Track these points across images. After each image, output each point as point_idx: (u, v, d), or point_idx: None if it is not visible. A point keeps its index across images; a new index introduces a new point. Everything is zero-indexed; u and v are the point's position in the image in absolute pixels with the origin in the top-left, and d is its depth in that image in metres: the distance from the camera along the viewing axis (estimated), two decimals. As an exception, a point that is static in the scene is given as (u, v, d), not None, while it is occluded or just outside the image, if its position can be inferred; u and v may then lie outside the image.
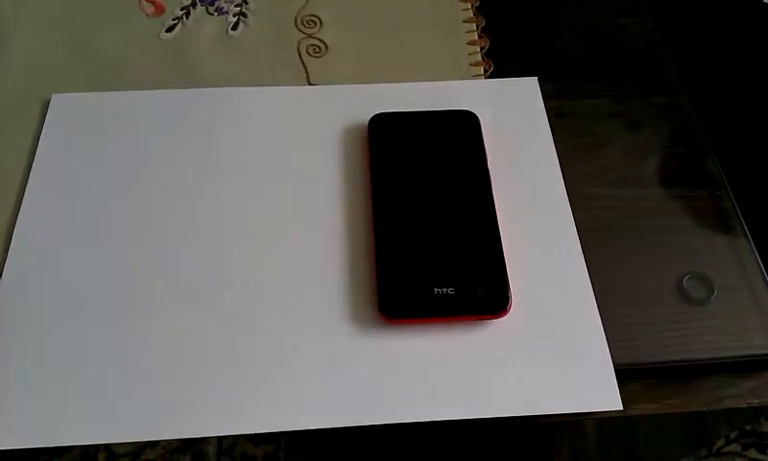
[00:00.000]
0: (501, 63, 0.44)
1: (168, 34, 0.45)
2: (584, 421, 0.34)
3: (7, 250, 0.36)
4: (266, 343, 0.33)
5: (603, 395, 0.32)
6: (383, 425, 0.31)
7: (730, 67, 0.48)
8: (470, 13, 0.47)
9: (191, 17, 0.46)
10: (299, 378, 0.32)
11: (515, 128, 0.41)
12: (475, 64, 0.44)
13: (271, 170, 0.39)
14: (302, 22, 0.46)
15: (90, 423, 0.31)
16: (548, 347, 0.33)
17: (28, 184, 0.38)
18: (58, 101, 0.41)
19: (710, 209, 0.39)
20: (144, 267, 0.35)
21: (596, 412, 0.32)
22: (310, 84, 0.43)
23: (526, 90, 0.43)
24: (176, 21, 0.46)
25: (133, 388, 0.32)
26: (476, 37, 0.45)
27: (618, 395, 0.32)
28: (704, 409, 0.34)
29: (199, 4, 0.47)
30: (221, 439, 0.55)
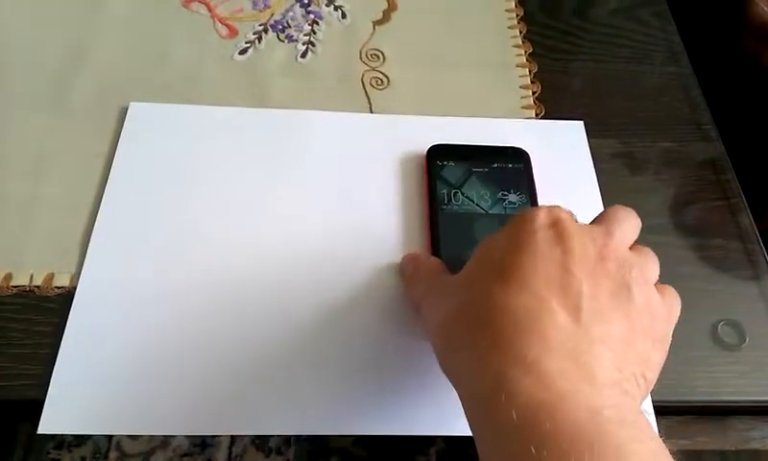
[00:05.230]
0: (551, 107, 0.47)
1: (241, 56, 0.48)
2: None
3: (86, 250, 0.38)
4: (323, 357, 0.35)
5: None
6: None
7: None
8: (524, 59, 0.50)
9: (263, 42, 0.49)
10: (350, 386, 0.34)
11: (562, 167, 0.43)
12: (527, 108, 0.47)
13: (333, 191, 0.41)
14: (367, 55, 0.49)
15: (148, 416, 0.33)
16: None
17: (107, 187, 0.40)
18: (135, 109, 0.44)
19: (743, 261, 0.42)
20: (211, 275, 0.37)
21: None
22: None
23: (573, 133, 0.46)
24: (248, 44, 0.49)
25: (190, 387, 0.34)
26: (528, 82, 0.48)
27: (656, 428, 0.34)
28: (732, 449, 0.36)
29: (270, 30, 0.50)
30: (230, 446, 0.57)
